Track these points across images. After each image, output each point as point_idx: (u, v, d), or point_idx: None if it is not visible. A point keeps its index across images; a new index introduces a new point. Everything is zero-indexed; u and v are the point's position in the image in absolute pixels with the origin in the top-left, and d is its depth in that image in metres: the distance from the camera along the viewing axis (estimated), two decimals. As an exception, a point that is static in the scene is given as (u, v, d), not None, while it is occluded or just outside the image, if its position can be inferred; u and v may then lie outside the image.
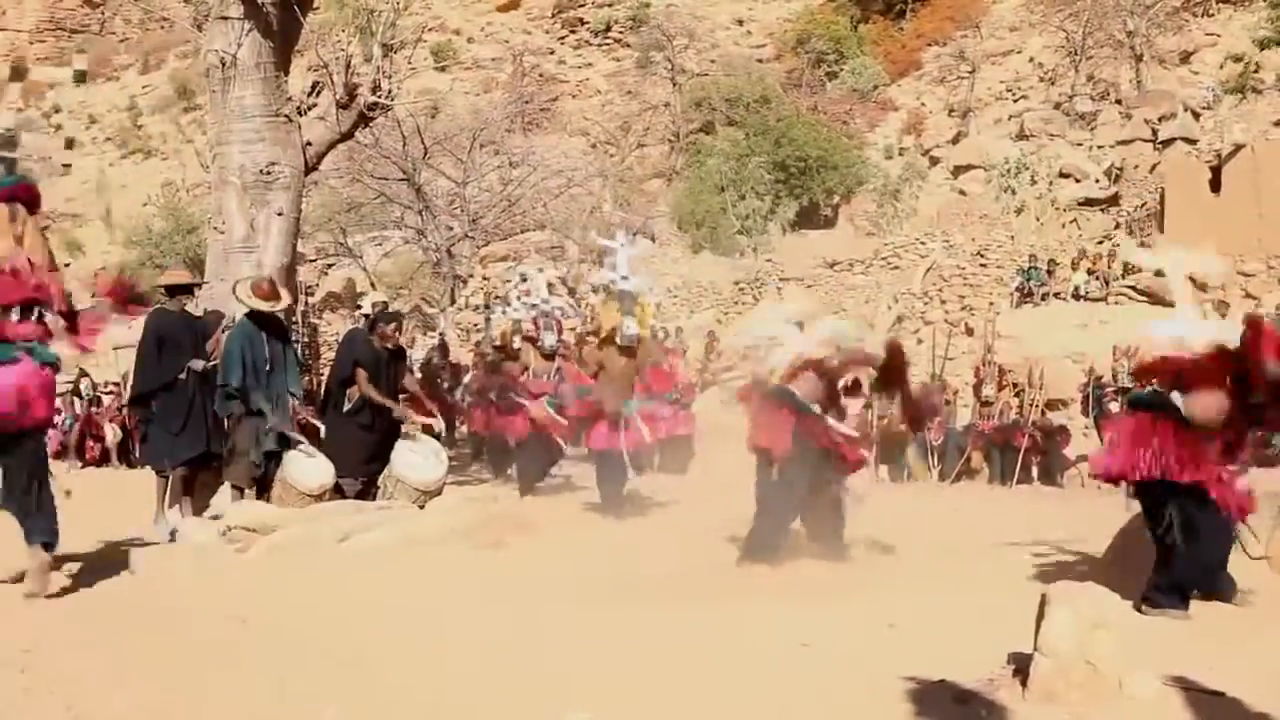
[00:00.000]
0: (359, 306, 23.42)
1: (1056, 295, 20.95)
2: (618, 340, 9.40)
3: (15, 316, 5.52)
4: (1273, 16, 33.78)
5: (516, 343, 12.19)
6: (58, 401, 18.42)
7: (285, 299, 8.61)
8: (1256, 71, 31.51)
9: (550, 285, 13.93)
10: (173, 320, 8.42)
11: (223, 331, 8.37)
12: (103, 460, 16.85)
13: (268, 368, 7.95)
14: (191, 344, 8.33)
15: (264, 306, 8.07)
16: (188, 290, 8.76)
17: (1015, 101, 39.10)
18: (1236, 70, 32.53)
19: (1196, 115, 30.78)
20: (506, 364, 12.30)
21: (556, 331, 11.45)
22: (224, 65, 10.33)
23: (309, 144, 10.86)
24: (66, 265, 45.07)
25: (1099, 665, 3.63)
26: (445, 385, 16.41)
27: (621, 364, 9.36)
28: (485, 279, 28.66)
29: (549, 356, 11.26)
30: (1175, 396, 5.26)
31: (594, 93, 50.03)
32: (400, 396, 8.90)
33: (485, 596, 5.81)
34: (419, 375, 13.12)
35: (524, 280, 14.11)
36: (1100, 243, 24.48)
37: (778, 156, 34.07)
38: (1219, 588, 5.33)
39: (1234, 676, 3.86)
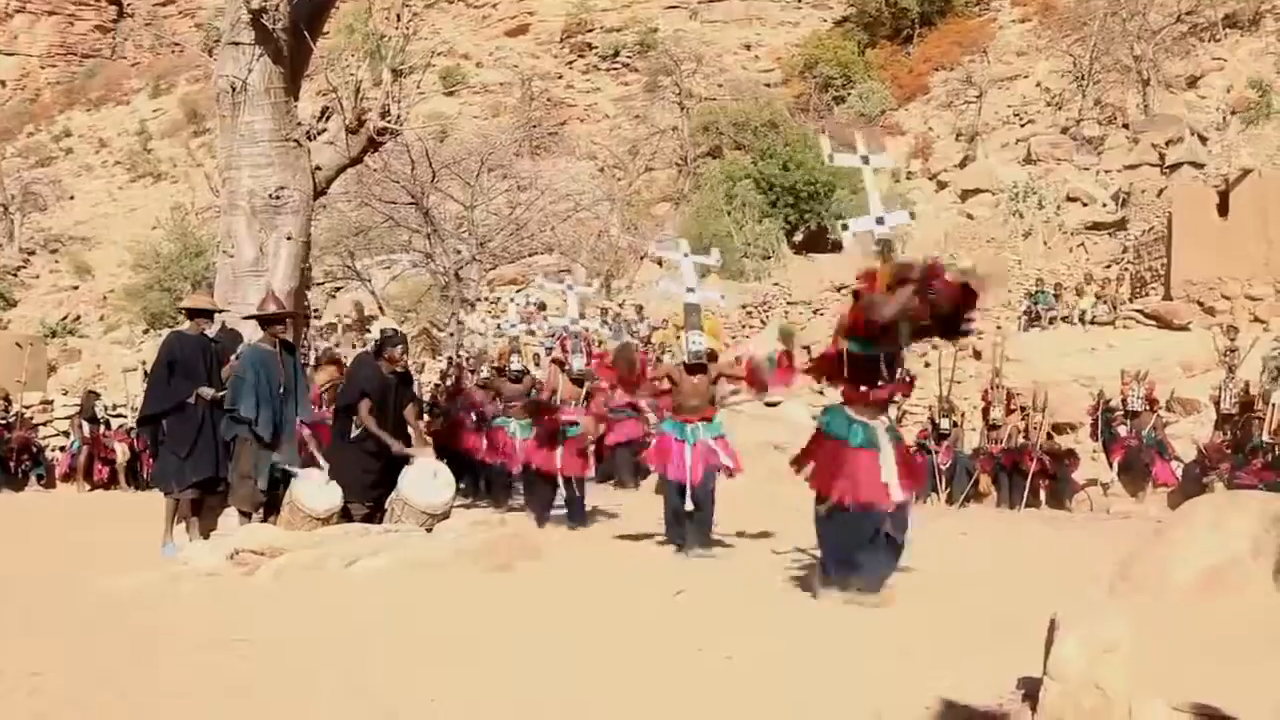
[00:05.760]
0: (368, 330, 23.29)
1: (1064, 319, 20.94)
2: (685, 357, 8.76)
3: None
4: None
5: (515, 362, 11.71)
6: (64, 424, 18.52)
7: (289, 305, 8.70)
8: (1263, 96, 31.53)
9: (583, 302, 12.84)
10: (188, 343, 8.45)
11: (236, 358, 8.37)
12: (111, 482, 16.86)
13: (280, 392, 7.97)
14: (205, 368, 8.34)
15: (274, 309, 8.15)
16: (208, 315, 8.78)
17: (1022, 126, 39.16)
18: (1245, 95, 32.52)
19: (1204, 140, 30.80)
20: (499, 382, 12.12)
21: (586, 354, 10.49)
22: (234, 90, 10.37)
23: (318, 168, 10.90)
24: (74, 288, 45.40)
25: (1109, 690, 3.58)
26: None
27: (693, 382, 8.69)
28: (525, 294, 28.58)
29: (578, 381, 10.43)
30: None
31: (602, 117, 50.26)
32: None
33: (493, 621, 5.80)
34: (432, 403, 12.96)
35: (568, 289, 12.96)
36: (1108, 267, 24.47)
37: (786, 181, 34.10)
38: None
39: (1246, 700, 3.83)
